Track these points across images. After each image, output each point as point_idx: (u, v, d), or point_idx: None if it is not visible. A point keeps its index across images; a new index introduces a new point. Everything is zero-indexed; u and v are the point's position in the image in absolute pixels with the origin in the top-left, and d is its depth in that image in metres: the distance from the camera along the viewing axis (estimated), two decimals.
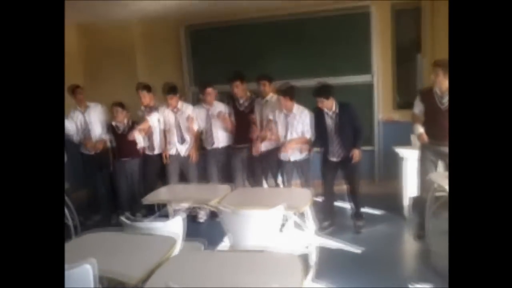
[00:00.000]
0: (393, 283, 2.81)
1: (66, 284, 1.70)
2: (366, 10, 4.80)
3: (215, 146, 4.18)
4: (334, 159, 3.70)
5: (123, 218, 2.35)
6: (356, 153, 3.53)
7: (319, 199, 3.90)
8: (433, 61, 3.32)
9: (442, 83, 3.12)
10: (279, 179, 4.08)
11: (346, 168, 3.71)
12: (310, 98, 3.69)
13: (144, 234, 2.22)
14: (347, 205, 3.97)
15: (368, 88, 4.97)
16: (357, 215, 3.79)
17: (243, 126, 4.04)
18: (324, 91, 3.58)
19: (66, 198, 3.56)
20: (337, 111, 3.62)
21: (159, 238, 2.13)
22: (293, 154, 3.82)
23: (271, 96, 4.02)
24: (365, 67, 4.91)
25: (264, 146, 3.97)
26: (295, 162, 3.86)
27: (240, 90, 4.03)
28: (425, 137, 3.32)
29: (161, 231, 2.26)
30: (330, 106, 3.61)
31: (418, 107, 3.38)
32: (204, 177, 4.27)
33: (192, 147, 4.19)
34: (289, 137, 3.79)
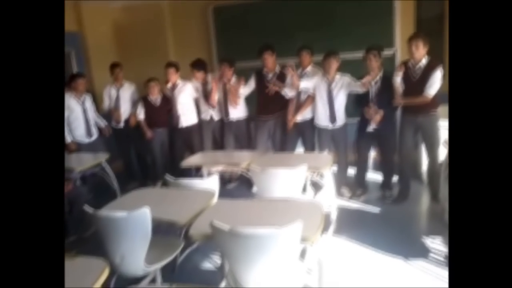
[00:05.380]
0: (408, 236, 3.10)
1: (128, 225, 2.06)
2: None
3: (229, 118, 4.47)
4: (370, 129, 3.73)
5: (167, 177, 2.71)
6: (378, 116, 3.59)
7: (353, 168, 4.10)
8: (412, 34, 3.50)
9: (421, 54, 3.37)
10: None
11: (380, 140, 3.80)
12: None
13: (187, 189, 2.58)
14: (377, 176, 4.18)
15: (391, 61, 5.11)
16: (388, 185, 3.92)
17: (268, 100, 4.19)
18: (376, 48, 3.60)
19: (107, 166, 3.98)
20: (380, 81, 3.64)
21: (200, 191, 2.48)
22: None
23: (311, 68, 4.15)
24: (389, 41, 5.05)
25: (301, 116, 4.11)
26: (331, 130, 3.94)
27: (270, 62, 4.10)
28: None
29: (200, 187, 2.62)
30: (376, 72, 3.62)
31: (398, 79, 3.52)
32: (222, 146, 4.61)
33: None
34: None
